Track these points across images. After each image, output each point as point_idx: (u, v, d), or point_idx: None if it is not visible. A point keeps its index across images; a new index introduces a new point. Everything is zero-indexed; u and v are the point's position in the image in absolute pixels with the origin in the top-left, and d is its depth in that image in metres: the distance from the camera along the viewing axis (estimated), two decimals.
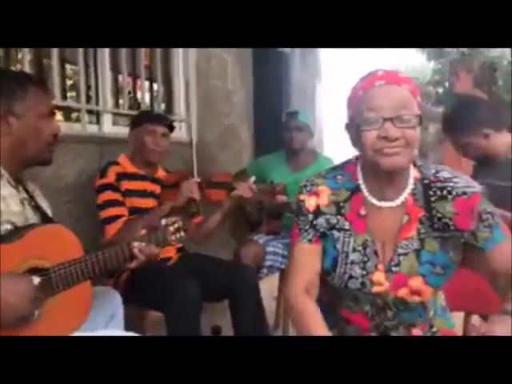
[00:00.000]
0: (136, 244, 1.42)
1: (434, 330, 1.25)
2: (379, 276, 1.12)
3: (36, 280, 1.21)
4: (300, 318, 1.13)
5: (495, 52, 12.86)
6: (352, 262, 1.13)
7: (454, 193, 1.07)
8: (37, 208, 1.41)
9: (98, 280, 1.93)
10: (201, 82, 3.27)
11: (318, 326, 1.09)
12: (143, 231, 1.47)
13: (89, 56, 2.49)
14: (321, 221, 1.14)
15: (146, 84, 3.09)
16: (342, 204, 1.14)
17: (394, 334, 1.20)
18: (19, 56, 2.32)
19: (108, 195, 1.99)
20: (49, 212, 1.48)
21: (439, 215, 1.08)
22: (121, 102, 2.79)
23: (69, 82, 3.97)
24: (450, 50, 13.58)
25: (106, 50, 2.55)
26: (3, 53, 2.24)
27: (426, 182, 1.11)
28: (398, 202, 1.11)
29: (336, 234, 1.14)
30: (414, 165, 1.13)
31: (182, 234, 1.54)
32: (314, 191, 1.15)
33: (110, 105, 2.60)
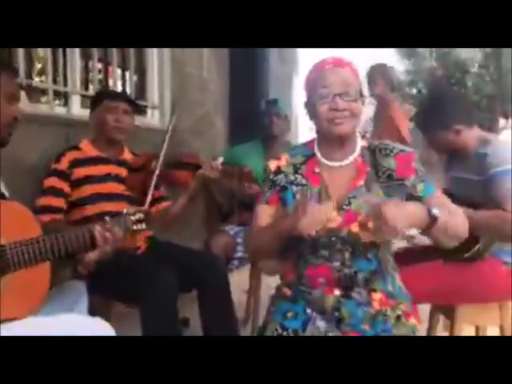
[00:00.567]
0: (98, 227, 1.38)
1: (400, 310, 1.34)
2: (332, 213, 1.29)
3: None
4: (260, 240, 1.37)
5: (467, 53, 13.16)
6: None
7: (394, 151, 1.34)
8: None
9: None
10: (175, 69, 3.20)
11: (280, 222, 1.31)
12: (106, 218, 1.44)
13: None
14: (280, 177, 1.39)
15: (118, 71, 3.01)
16: (298, 165, 1.39)
17: (356, 295, 1.32)
18: None
19: (52, 182, 1.91)
20: (5, 191, 1.44)
21: (383, 169, 1.33)
22: (91, 87, 2.71)
23: (38, 66, 3.84)
24: (421, 50, 13.85)
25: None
26: None
27: (372, 147, 1.37)
28: (347, 161, 1.35)
29: (295, 188, 1.37)
30: (363, 136, 1.39)
31: (144, 226, 1.50)
32: (276, 158, 1.42)
33: (79, 87, 2.51)
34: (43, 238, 1.29)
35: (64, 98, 2.49)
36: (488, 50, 12.48)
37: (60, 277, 1.72)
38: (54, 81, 2.41)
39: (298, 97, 5.73)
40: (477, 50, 12.93)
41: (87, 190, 1.95)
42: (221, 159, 2.06)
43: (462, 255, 1.72)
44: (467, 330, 1.99)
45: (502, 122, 12.95)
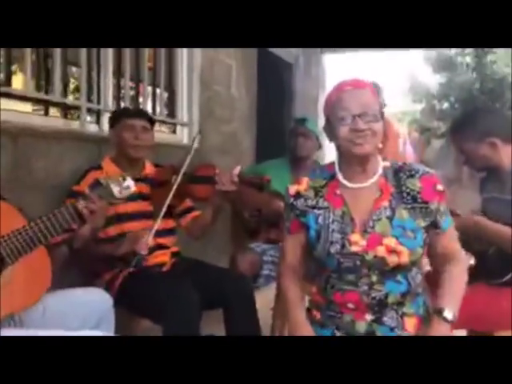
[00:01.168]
0: (81, 202, 1.43)
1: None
2: (356, 236, 1.29)
3: None
4: (284, 302, 1.43)
5: (506, 66, 12.81)
6: (332, 230, 1.32)
7: (420, 172, 1.32)
8: None
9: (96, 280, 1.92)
10: (204, 87, 3.25)
11: (296, 314, 1.37)
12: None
13: (92, 58, 2.48)
14: (300, 202, 1.37)
15: (149, 89, 3.06)
16: (319, 189, 1.37)
17: (388, 319, 1.30)
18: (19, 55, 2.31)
19: None
20: None
21: (408, 190, 1.31)
22: (122, 104, 2.77)
23: (72, 86, 3.96)
24: (457, 62, 13.47)
25: (110, 53, 2.53)
26: (4, 52, 2.21)
27: (395, 167, 1.35)
28: (369, 182, 1.33)
29: (317, 211, 1.35)
30: (384, 159, 1.37)
31: (132, 189, 1.51)
32: (296, 181, 1.40)
33: (111, 105, 2.57)
34: (29, 225, 1.34)
35: (96, 115, 2.55)
36: None
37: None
38: (88, 99, 2.47)
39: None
40: None
41: (109, 210, 1.92)
42: (237, 169, 1.95)
43: (501, 278, 1.67)
44: None
45: None
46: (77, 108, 2.44)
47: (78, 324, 1.47)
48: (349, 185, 1.34)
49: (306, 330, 1.33)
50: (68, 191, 1.96)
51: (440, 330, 1.24)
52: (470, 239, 1.78)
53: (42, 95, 2.30)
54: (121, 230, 1.96)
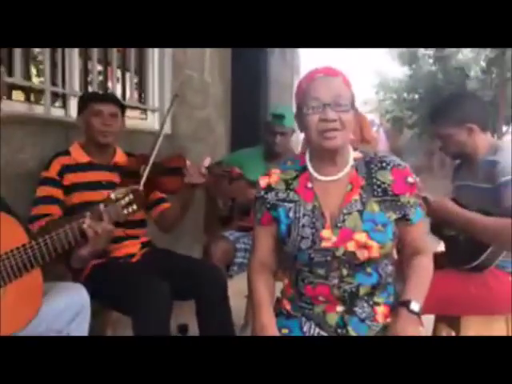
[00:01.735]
0: (86, 221, 1.34)
1: None
2: (327, 232, 1.28)
3: None
4: (251, 295, 1.37)
5: (468, 58, 13.17)
6: (303, 225, 1.30)
7: (391, 164, 1.29)
8: None
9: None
10: (176, 71, 3.16)
11: (261, 316, 1.30)
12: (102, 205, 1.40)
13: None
14: (271, 195, 1.34)
15: (119, 72, 2.96)
16: (290, 181, 1.34)
17: (359, 310, 1.29)
18: None
19: (44, 191, 1.86)
20: None
21: (379, 183, 1.29)
22: (90, 89, 2.66)
23: (34, 69, 3.80)
24: (421, 55, 13.86)
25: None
26: None
27: (367, 159, 1.32)
28: (339, 175, 1.30)
29: (288, 205, 1.32)
30: (355, 149, 1.34)
31: (135, 207, 1.45)
32: (266, 173, 1.37)
33: (78, 89, 2.47)
34: (31, 244, 1.25)
35: (62, 100, 2.44)
36: (491, 55, 12.46)
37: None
38: (53, 82, 2.36)
39: None
40: (479, 54, 12.93)
41: (76, 197, 1.89)
42: (207, 160, 1.91)
43: (470, 263, 1.69)
44: None
45: (503, 128, 12.93)
46: (41, 92, 2.33)
47: (53, 318, 1.42)
48: (319, 177, 1.31)
49: (270, 332, 1.28)
50: (40, 178, 1.88)
51: (408, 321, 1.24)
52: (441, 224, 1.80)
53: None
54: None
